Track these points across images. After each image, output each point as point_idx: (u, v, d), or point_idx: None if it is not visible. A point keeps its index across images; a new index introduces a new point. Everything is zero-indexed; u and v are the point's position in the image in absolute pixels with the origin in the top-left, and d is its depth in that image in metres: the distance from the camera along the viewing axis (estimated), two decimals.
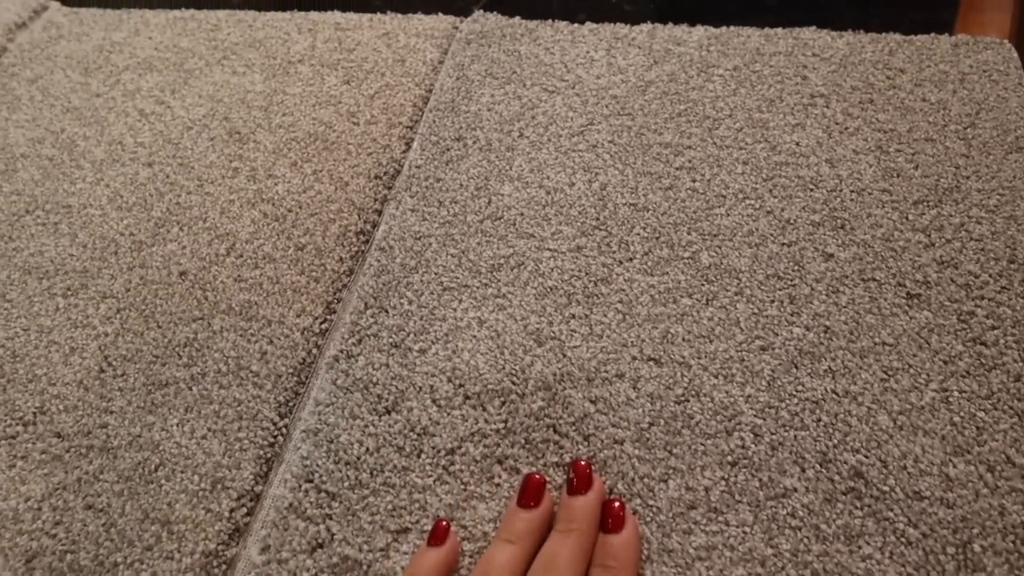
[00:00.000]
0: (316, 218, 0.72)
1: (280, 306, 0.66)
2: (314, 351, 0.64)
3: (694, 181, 0.72)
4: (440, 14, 0.93)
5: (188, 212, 0.75)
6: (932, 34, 0.82)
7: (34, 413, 0.63)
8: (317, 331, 0.65)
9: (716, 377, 0.59)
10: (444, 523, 0.50)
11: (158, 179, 0.78)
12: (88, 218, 0.76)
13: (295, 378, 0.62)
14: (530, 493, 0.49)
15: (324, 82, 0.85)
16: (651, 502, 0.53)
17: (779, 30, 0.86)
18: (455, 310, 0.64)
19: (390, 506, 0.54)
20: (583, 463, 0.51)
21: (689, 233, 0.68)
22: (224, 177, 0.77)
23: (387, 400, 0.59)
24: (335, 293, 0.67)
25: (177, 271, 0.70)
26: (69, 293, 0.70)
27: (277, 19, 0.95)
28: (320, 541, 0.53)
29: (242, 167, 0.78)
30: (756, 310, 0.62)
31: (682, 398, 0.58)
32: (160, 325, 0.66)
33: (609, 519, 0.48)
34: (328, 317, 0.66)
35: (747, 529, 0.51)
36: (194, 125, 0.83)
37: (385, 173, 0.75)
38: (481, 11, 0.91)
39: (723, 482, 0.53)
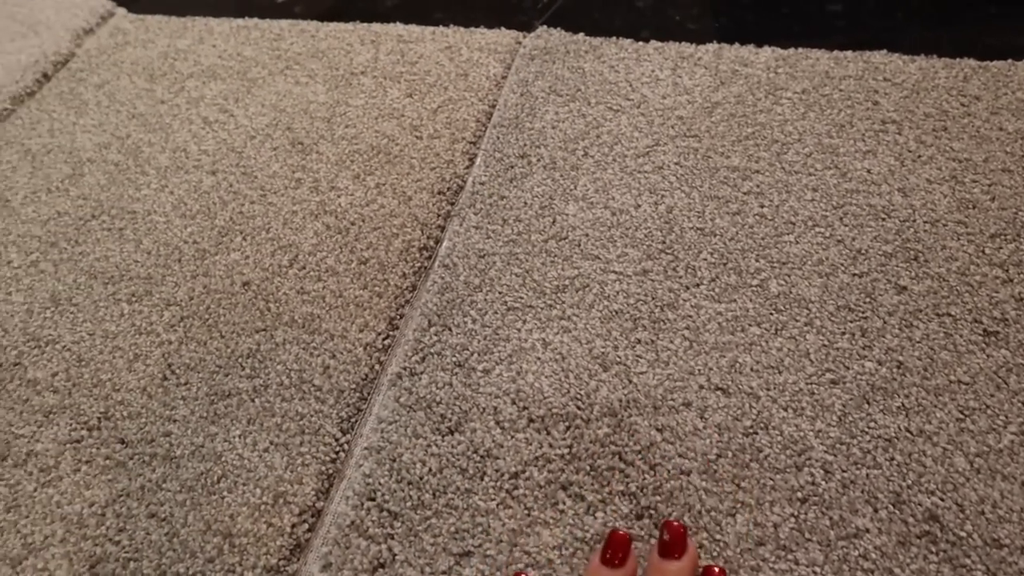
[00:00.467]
0: (379, 232, 0.72)
1: (343, 320, 0.66)
2: (376, 367, 0.64)
3: (762, 207, 0.70)
4: (503, 28, 0.93)
5: (251, 222, 0.75)
6: (1009, 60, 0.80)
7: (98, 418, 0.64)
8: (380, 347, 0.64)
9: (785, 410, 0.57)
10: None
11: (221, 187, 0.79)
12: (152, 224, 0.77)
13: (357, 394, 0.62)
14: (616, 549, 0.45)
15: (387, 94, 0.85)
16: (718, 536, 0.52)
17: (849, 53, 0.84)
18: (519, 331, 0.64)
19: (453, 528, 0.54)
20: (678, 524, 0.46)
21: (757, 260, 0.67)
22: (287, 188, 0.77)
23: (450, 420, 0.59)
24: (398, 309, 0.67)
25: (240, 281, 0.70)
26: (134, 299, 0.71)
27: (340, 30, 0.95)
28: (382, 561, 0.53)
29: (305, 178, 0.78)
30: (826, 342, 0.61)
31: (750, 430, 0.57)
32: (223, 335, 0.67)
33: None
34: (391, 333, 0.66)
35: (817, 569, 0.50)
36: (257, 134, 0.84)
37: (448, 188, 0.75)
38: (545, 27, 0.91)
39: (793, 519, 0.52)
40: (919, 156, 0.73)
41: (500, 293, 0.66)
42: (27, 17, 1.08)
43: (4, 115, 0.95)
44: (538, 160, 0.76)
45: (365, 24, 0.96)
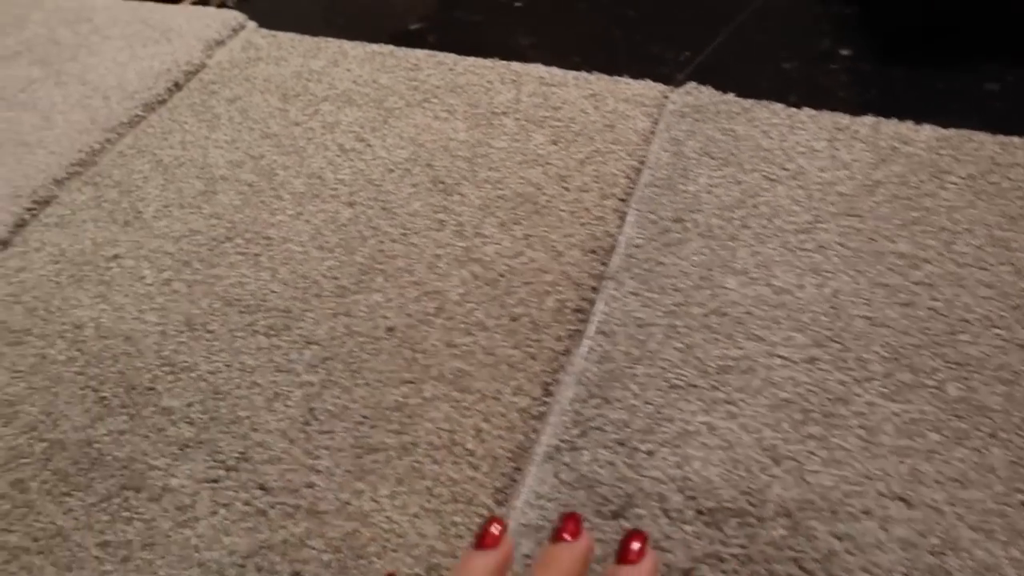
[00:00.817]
0: (530, 288, 0.69)
1: (495, 380, 0.63)
2: (531, 435, 0.61)
3: (934, 300, 0.67)
4: (648, 80, 0.90)
5: (392, 262, 0.73)
6: None
7: (236, 458, 0.61)
8: (535, 414, 0.62)
9: (974, 531, 0.54)
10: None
11: (360, 221, 0.77)
12: (289, 253, 0.75)
13: (512, 463, 0.59)
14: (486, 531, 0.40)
15: (530, 139, 0.83)
16: None
17: (1016, 139, 0.81)
18: (682, 411, 0.61)
19: None
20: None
21: (932, 359, 0.63)
22: (429, 229, 0.75)
23: (614, 503, 0.56)
24: (553, 374, 0.64)
25: (384, 325, 0.68)
26: (271, 332, 0.69)
27: (478, 66, 0.93)
28: None
29: (448, 220, 0.76)
30: (1014, 458, 0.57)
31: (938, 549, 0.53)
32: (368, 383, 0.64)
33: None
34: (545, 400, 0.63)
35: None
36: (396, 168, 0.82)
37: (600, 247, 0.72)
38: (694, 83, 0.88)
39: None
40: None
41: (661, 368, 0.63)
42: (159, 23, 1.07)
43: (135, 121, 0.93)
44: (694, 226, 0.74)
45: (504, 62, 0.94)
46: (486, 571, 0.38)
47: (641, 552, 0.39)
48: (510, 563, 0.40)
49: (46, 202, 0.86)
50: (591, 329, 0.67)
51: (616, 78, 0.90)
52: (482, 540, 0.39)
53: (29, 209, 0.85)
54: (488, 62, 0.94)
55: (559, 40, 1.01)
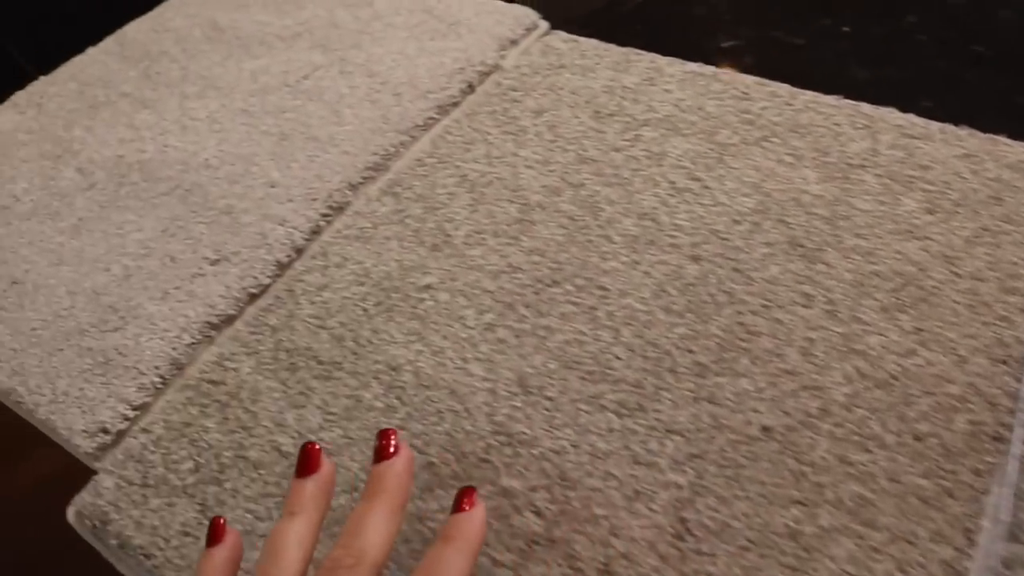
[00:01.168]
0: (933, 400, 0.58)
1: (906, 518, 0.53)
2: None
3: None
4: None
5: (757, 341, 0.63)
6: None
7: (598, 571, 0.53)
8: (959, 569, 0.51)
9: None
10: (221, 521, 0.43)
11: (710, 282, 0.67)
12: (630, 312, 0.66)
13: None
14: (306, 459, 0.43)
15: (899, 203, 0.71)
16: None
17: None
18: None
19: None
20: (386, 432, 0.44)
21: None
22: (794, 303, 0.65)
23: None
24: (973, 518, 0.53)
25: (758, 423, 0.58)
26: (623, 412, 0.60)
27: (820, 103, 0.82)
28: None
29: (816, 296, 0.65)
30: None
31: None
32: (749, 496, 0.55)
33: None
34: (968, 551, 0.52)
35: None
36: (742, 220, 0.72)
37: (1010, 357, 0.60)
38: None
39: None
40: None
41: None
42: (445, 14, 0.99)
43: (429, 124, 0.86)
44: None
45: (851, 102, 0.81)
46: (314, 496, 0.41)
47: (472, 503, 0.43)
48: (333, 485, 0.44)
49: (340, 208, 0.80)
50: (1014, 465, 0.56)
51: (992, 136, 0.77)
52: (304, 467, 0.42)
53: (324, 215, 0.79)
54: (831, 100, 0.82)
55: (901, 77, 0.88)
